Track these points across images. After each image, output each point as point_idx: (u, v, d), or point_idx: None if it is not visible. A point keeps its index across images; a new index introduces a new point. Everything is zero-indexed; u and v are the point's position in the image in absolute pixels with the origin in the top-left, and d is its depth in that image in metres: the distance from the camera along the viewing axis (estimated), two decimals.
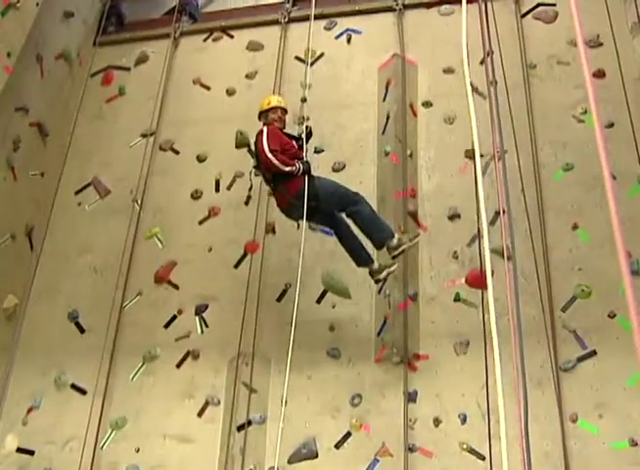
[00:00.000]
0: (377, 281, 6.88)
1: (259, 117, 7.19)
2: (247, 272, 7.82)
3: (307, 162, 6.73)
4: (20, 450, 7.85)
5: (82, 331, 8.25)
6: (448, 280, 7.44)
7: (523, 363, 5.69)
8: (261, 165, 6.81)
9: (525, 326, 6.44)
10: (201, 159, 8.89)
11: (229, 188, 8.62)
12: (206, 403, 7.43)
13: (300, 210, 6.42)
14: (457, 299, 7.30)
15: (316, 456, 6.48)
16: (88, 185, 9.18)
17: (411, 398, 7.01)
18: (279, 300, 7.57)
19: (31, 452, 7.80)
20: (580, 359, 6.85)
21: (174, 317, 8.00)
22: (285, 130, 7.12)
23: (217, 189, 8.65)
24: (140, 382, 7.79)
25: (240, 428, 7.18)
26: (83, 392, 7.90)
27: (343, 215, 6.89)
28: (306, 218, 6.44)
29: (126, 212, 8.68)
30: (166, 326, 7.98)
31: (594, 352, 6.85)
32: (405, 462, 6.75)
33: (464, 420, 6.82)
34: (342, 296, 7.60)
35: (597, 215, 7.21)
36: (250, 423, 7.20)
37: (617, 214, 3.04)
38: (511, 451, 6.21)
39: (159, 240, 8.52)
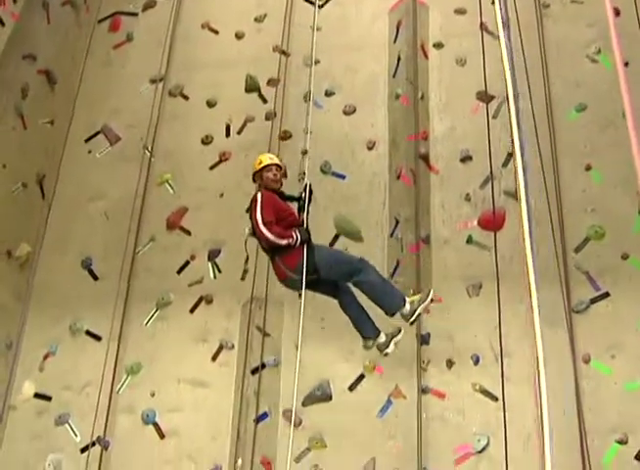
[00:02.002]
0: (385, 355, 6.34)
1: (253, 179, 6.61)
2: None
3: (307, 230, 6.17)
4: (37, 396, 7.97)
5: (95, 278, 8.29)
6: (460, 222, 7.42)
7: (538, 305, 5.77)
8: (256, 236, 6.29)
9: (538, 268, 6.46)
10: (211, 104, 8.82)
11: (239, 132, 8.57)
12: (220, 347, 7.50)
13: (300, 283, 5.97)
14: (469, 241, 7.27)
15: (330, 399, 6.54)
16: (98, 133, 9.14)
17: (424, 340, 7.05)
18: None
19: (48, 398, 7.92)
20: (593, 301, 6.85)
21: (187, 263, 8.03)
22: (283, 190, 6.61)
23: (228, 134, 8.60)
24: (154, 327, 7.86)
25: (254, 371, 7.25)
26: (98, 338, 7.98)
27: (349, 284, 6.33)
28: (308, 289, 6.08)
29: (137, 159, 8.66)
30: (179, 272, 8.01)
31: (607, 294, 6.84)
32: (418, 404, 6.81)
33: (477, 361, 6.85)
34: (354, 239, 7.59)
35: (610, 156, 7.13)
36: (263, 366, 7.26)
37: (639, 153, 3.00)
38: (523, 392, 6.39)
39: (170, 186, 8.51)
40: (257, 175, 6.54)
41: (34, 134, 8.87)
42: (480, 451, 6.59)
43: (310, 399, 6.94)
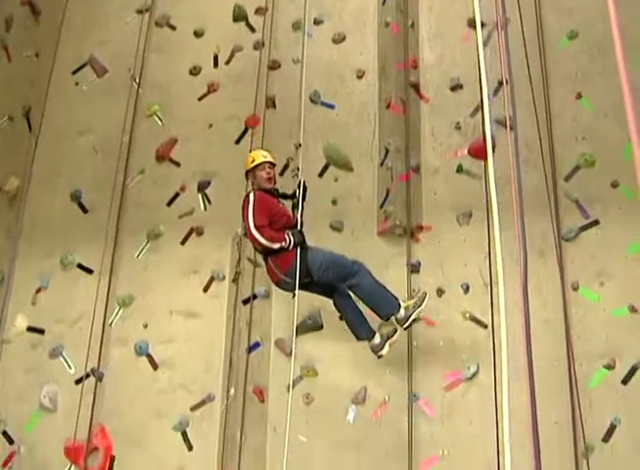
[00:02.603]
0: (379, 357, 6.29)
1: (246, 177, 6.52)
2: (248, 147, 7.73)
3: (300, 231, 6.08)
4: (30, 330, 8.02)
5: (85, 211, 8.27)
6: (450, 152, 7.39)
7: (524, 232, 5.79)
8: (248, 239, 6.23)
9: (528, 196, 6.47)
10: (198, 34, 8.68)
11: (228, 63, 8.44)
12: (212, 279, 7.53)
13: (293, 286, 5.90)
14: (460, 170, 7.25)
15: (321, 328, 6.58)
16: (85, 65, 9.00)
17: (414, 268, 7.08)
18: (281, 174, 7.53)
19: (42, 331, 7.97)
20: (583, 229, 6.86)
21: (177, 195, 8.00)
22: (277, 186, 6.53)
23: (216, 64, 8.48)
24: (145, 260, 7.88)
25: (245, 302, 7.29)
26: (90, 271, 8.00)
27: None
28: (302, 290, 5.99)
29: (125, 91, 8.55)
30: (169, 204, 7.99)
31: (596, 222, 6.85)
32: (409, 332, 6.80)
33: (467, 290, 6.90)
34: (344, 169, 7.56)
35: (602, 84, 7.06)
36: (255, 297, 7.31)
37: (628, 81, 2.97)
38: (512, 319, 6.43)
39: (158, 118, 8.43)
40: (250, 174, 6.42)
41: (19, 67, 8.78)
42: (469, 378, 6.68)
43: (302, 329, 6.96)
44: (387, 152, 7.28)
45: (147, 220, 7.98)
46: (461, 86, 7.56)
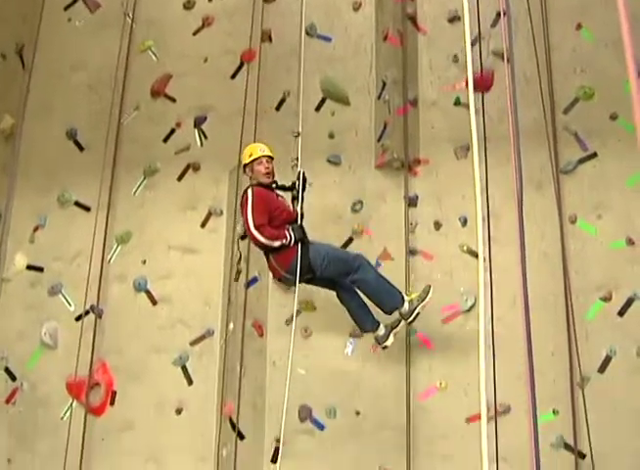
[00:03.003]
0: (384, 348, 6.21)
1: (244, 170, 6.35)
2: (244, 82, 7.66)
3: (301, 226, 5.96)
4: (29, 268, 8.04)
5: (81, 148, 8.21)
6: (448, 84, 7.30)
7: (520, 164, 5.77)
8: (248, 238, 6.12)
9: (527, 129, 6.44)
10: None
11: None
12: (209, 214, 7.53)
13: (295, 281, 5.82)
14: (457, 103, 7.18)
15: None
16: (77, 0, 8.84)
17: (412, 202, 7.06)
18: (278, 108, 7.47)
19: (41, 269, 8.00)
20: (581, 161, 6.84)
21: (173, 131, 7.94)
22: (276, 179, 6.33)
23: None
24: (142, 196, 7.86)
25: (243, 237, 7.27)
26: (87, 208, 7.99)
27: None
28: (306, 284, 6.01)
29: (118, 26, 8.41)
30: (165, 140, 7.93)
31: (595, 154, 6.82)
32: (406, 265, 6.89)
33: (464, 223, 6.89)
34: (341, 102, 7.49)
35: (602, 15, 6.95)
36: None
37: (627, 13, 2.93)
38: (510, 252, 6.46)
39: (152, 53, 8.31)
40: (248, 167, 6.26)
41: (11, 3, 8.61)
42: (467, 311, 6.73)
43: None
44: (384, 85, 7.21)
45: (143, 157, 7.93)
46: (459, 18, 7.43)
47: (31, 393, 7.72)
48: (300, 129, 6.28)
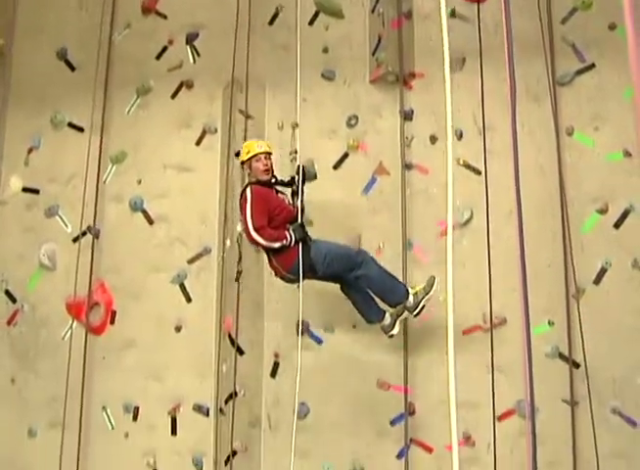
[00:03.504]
0: (390, 336, 6.19)
1: (242, 167, 6.35)
2: None
3: (301, 225, 5.94)
4: (25, 190, 8.03)
5: (72, 68, 8.09)
6: None
7: (513, 73, 5.68)
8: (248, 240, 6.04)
9: (524, 40, 6.34)
10: None
11: None
12: (204, 132, 7.46)
13: (297, 281, 5.87)
14: (452, 15, 7.04)
15: (315, 178, 6.56)
16: None
17: (407, 116, 6.99)
18: (271, 23, 7.35)
19: (36, 191, 7.98)
20: (578, 73, 6.74)
21: (165, 48, 7.79)
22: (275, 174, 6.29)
23: None
24: (136, 115, 7.78)
25: (238, 154, 7.23)
26: (80, 129, 7.92)
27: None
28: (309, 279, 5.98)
29: None
30: (158, 57, 7.79)
31: (593, 65, 6.73)
32: (402, 179, 6.88)
33: (460, 136, 6.84)
34: (335, 16, 7.34)
35: None
36: None
37: None
38: (506, 165, 6.42)
39: None
40: (246, 164, 6.22)
41: None
42: (463, 224, 6.74)
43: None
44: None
45: (136, 75, 7.81)
46: None
47: (32, 314, 7.80)
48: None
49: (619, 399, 6.22)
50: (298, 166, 6.15)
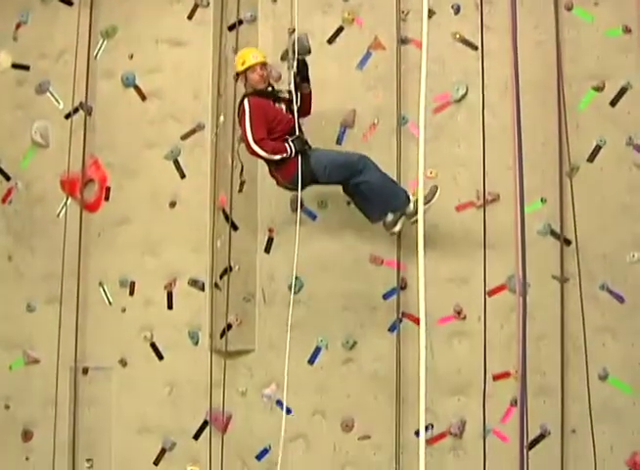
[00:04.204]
0: (392, 234, 6.20)
1: (236, 78, 6.28)
2: None
3: (299, 137, 5.91)
4: (15, 66, 7.91)
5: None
6: None
7: None
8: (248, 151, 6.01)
9: None
10: None
11: None
12: (196, 6, 7.27)
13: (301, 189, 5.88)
14: None
15: (309, 52, 6.45)
16: None
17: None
18: None
19: (26, 67, 7.87)
20: None
21: None
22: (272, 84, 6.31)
23: None
24: None
25: (231, 28, 7.12)
26: (69, 3, 7.75)
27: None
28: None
29: None
30: None
31: None
32: (398, 54, 6.79)
33: (457, 10, 6.71)
34: None
35: None
36: (240, 22, 7.14)
37: None
38: (503, 40, 6.35)
39: None
40: (241, 77, 6.15)
41: None
42: (458, 100, 6.68)
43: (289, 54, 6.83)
44: None
45: None
46: None
47: (26, 191, 7.83)
48: None
49: (609, 275, 6.30)
50: (297, 62, 6.06)
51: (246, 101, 5.99)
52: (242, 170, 6.45)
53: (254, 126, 5.86)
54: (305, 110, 6.22)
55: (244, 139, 5.97)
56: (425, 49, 4.51)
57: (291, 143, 5.91)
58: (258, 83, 6.10)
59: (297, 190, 5.94)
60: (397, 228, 6.12)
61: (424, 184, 5.74)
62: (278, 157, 5.89)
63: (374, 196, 6.04)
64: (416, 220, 5.69)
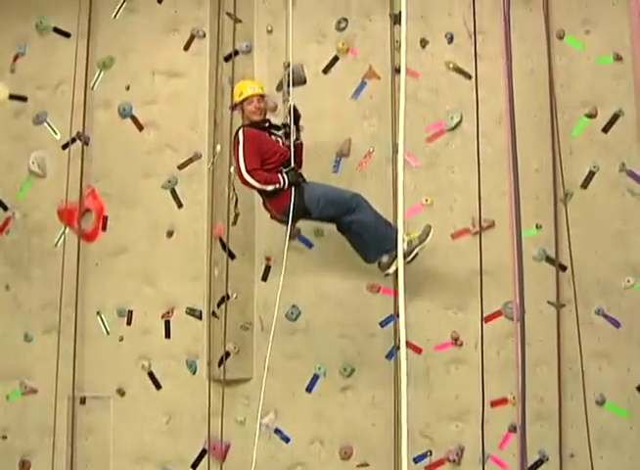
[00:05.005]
0: (386, 275, 6.12)
1: (233, 109, 6.37)
2: None
3: (293, 169, 5.91)
4: (12, 97, 7.96)
5: None
6: None
7: None
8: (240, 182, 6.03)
9: None
10: None
11: None
12: (192, 37, 7.34)
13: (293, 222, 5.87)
14: None
15: (304, 82, 6.53)
16: None
17: (397, 19, 6.87)
18: None
19: (24, 98, 7.92)
20: None
21: None
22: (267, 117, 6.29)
23: None
24: (123, 20, 7.65)
25: (227, 58, 7.18)
26: (67, 34, 7.82)
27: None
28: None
29: None
30: None
31: None
32: (392, 83, 6.84)
33: (450, 40, 6.79)
34: None
35: None
36: (236, 53, 7.19)
37: None
38: (496, 69, 6.42)
39: None
40: (238, 107, 6.21)
41: None
42: (452, 128, 6.74)
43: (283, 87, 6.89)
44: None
45: None
46: None
47: (24, 221, 7.85)
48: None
49: (604, 300, 6.33)
50: (290, 106, 6.10)
51: (240, 131, 6.02)
52: (236, 203, 6.42)
53: (247, 156, 5.86)
54: (298, 162, 6.15)
55: (236, 169, 5.97)
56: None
57: (284, 174, 5.90)
58: (254, 115, 6.12)
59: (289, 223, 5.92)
60: (392, 270, 6.03)
61: (418, 217, 5.96)
62: (270, 187, 5.87)
63: (367, 236, 6.01)
64: (412, 260, 5.87)
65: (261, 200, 6.22)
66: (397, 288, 6.50)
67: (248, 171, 5.84)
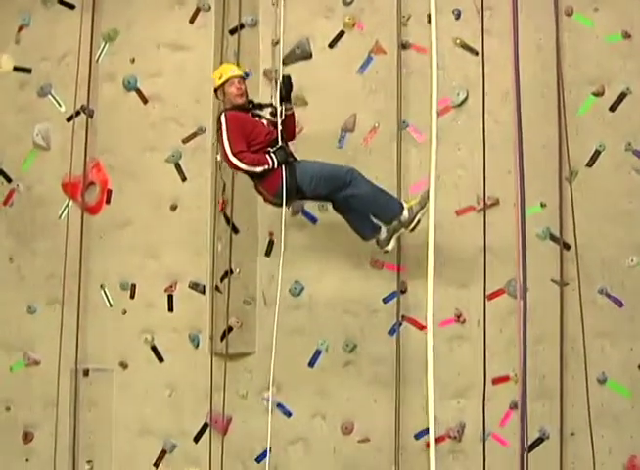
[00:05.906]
0: (385, 252, 6.14)
1: (216, 95, 6.14)
2: None
3: (282, 147, 5.75)
4: (16, 69, 7.90)
5: None
6: None
7: None
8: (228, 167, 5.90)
9: None
10: None
11: None
12: (197, 10, 7.27)
13: (286, 202, 5.70)
14: None
15: (310, 56, 6.48)
16: None
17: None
18: None
19: (28, 70, 7.86)
20: None
21: None
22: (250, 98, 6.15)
23: None
24: None
25: (232, 32, 7.14)
26: (71, 6, 7.73)
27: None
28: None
29: None
30: None
31: None
32: (399, 59, 6.81)
33: (458, 16, 6.75)
34: None
35: None
36: (242, 26, 7.14)
37: None
38: (503, 46, 6.39)
39: None
40: (220, 91, 6.04)
41: None
42: (458, 105, 6.71)
43: (290, 58, 6.84)
44: None
45: None
46: None
47: (28, 194, 7.81)
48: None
49: (607, 280, 6.35)
50: (283, 79, 5.96)
51: (222, 116, 5.86)
52: (224, 189, 6.37)
53: (232, 139, 5.70)
54: (289, 133, 6.08)
55: (223, 154, 5.82)
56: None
57: (273, 154, 5.74)
58: (236, 98, 5.97)
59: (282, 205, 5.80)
60: (390, 246, 6.06)
61: (421, 189, 5.95)
62: (260, 169, 5.71)
63: (366, 209, 5.94)
64: (414, 228, 5.86)
65: (254, 185, 6.06)
66: (400, 264, 6.67)
67: (234, 154, 5.67)
